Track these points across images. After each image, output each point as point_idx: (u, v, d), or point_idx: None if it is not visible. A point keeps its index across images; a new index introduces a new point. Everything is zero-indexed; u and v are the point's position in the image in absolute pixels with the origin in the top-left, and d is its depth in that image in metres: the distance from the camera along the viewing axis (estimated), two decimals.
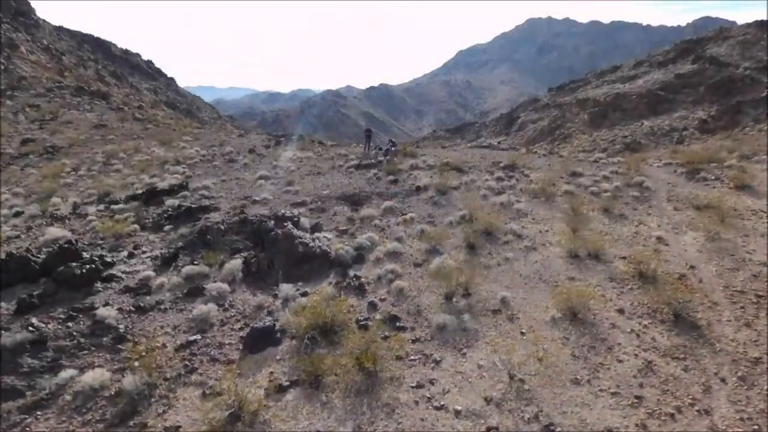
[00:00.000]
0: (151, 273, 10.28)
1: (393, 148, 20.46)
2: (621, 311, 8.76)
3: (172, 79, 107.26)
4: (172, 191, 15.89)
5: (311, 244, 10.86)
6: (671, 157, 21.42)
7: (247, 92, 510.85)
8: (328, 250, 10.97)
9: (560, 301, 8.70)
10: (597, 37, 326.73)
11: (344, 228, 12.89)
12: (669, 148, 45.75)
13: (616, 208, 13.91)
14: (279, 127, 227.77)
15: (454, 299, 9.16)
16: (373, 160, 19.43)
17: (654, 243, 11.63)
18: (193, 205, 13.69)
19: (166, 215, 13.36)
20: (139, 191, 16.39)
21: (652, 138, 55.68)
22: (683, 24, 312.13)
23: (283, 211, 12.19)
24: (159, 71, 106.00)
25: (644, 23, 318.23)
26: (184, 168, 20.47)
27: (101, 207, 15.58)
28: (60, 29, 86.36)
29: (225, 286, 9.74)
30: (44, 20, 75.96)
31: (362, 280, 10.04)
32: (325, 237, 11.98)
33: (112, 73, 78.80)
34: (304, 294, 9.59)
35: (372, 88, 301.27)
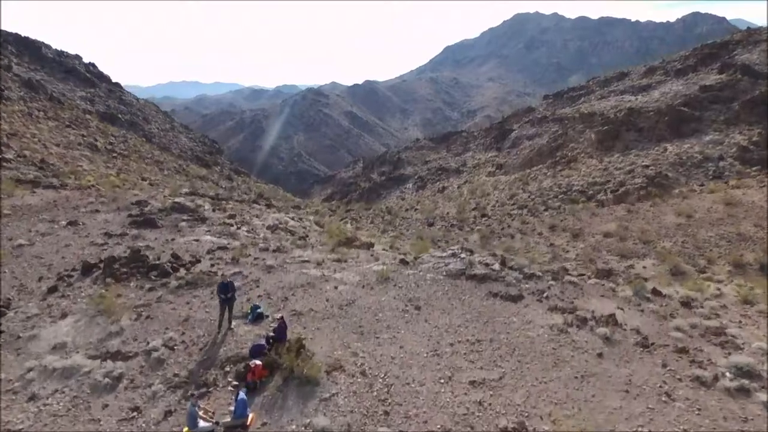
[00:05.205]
0: None
1: (265, 349, 8.54)
2: None
3: (116, 84, 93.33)
4: None
5: None
6: None
7: (231, 87, 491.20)
8: None
9: None
10: (585, 33, 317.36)
11: None
12: (716, 189, 34.47)
13: None
14: (257, 129, 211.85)
15: None
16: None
17: None
18: None
19: None
20: None
21: (681, 170, 43.99)
22: (672, 20, 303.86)
23: None
24: (101, 76, 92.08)
25: (632, 19, 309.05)
26: None
27: None
28: None
29: None
30: None
31: None
32: None
33: (25, 82, 64.78)
34: None
35: (356, 85, 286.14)
